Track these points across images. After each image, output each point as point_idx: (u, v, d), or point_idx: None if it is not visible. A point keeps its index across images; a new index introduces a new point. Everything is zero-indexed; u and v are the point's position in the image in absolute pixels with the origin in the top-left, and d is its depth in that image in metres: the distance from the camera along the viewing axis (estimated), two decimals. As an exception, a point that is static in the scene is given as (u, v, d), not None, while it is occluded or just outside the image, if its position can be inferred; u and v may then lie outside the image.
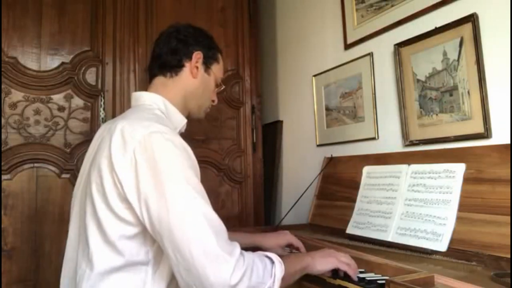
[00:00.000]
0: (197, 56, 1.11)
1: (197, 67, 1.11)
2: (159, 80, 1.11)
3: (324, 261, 1.01)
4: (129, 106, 1.84)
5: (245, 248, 0.92)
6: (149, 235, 0.89)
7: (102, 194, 0.88)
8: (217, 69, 1.17)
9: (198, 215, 0.84)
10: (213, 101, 1.21)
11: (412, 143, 1.50)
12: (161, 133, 0.89)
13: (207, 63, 1.14)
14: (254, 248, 1.20)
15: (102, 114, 1.83)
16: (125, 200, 0.87)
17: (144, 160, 0.85)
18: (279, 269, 0.89)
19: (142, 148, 0.86)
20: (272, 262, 0.90)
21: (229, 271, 0.80)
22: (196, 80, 1.12)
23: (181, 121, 1.11)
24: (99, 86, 1.86)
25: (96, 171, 0.90)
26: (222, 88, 1.23)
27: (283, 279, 0.89)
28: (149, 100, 1.07)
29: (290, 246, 1.31)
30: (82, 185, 1.02)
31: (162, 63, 1.11)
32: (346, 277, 1.01)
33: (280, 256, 0.95)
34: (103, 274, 0.87)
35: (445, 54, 1.38)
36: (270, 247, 1.25)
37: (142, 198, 0.85)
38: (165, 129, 0.91)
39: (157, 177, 0.85)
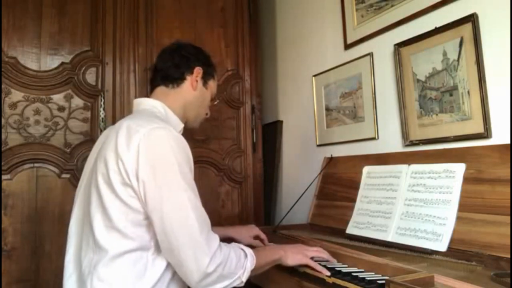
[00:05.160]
0: (198, 71, 1.22)
1: (197, 81, 1.22)
2: (160, 90, 1.21)
3: (294, 257, 1.12)
4: (129, 106, 1.88)
5: (221, 239, 1.01)
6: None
7: (108, 183, 0.96)
8: (213, 85, 1.30)
9: (187, 207, 0.94)
10: (206, 114, 1.32)
11: (412, 143, 1.50)
12: (164, 129, 0.99)
13: (206, 78, 1.26)
14: (228, 240, 1.32)
15: (102, 114, 1.83)
16: (130, 187, 0.94)
17: (146, 150, 0.95)
18: (250, 262, 1.02)
19: (146, 140, 0.95)
20: (246, 255, 1.02)
21: (206, 261, 0.92)
22: (196, 92, 1.23)
23: (179, 125, 1.19)
24: (99, 86, 1.86)
25: (103, 164, 0.98)
26: (216, 102, 1.37)
27: (254, 269, 1.03)
28: (149, 105, 1.16)
29: (256, 237, 1.44)
30: (84, 183, 1.08)
31: (165, 75, 1.20)
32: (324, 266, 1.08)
33: (254, 248, 1.09)
34: (110, 259, 0.94)
35: (445, 54, 1.38)
36: (242, 238, 1.40)
37: (140, 184, 0.94)
38: (167, 126, 1.01)
39: (156, 167, 0.94)
